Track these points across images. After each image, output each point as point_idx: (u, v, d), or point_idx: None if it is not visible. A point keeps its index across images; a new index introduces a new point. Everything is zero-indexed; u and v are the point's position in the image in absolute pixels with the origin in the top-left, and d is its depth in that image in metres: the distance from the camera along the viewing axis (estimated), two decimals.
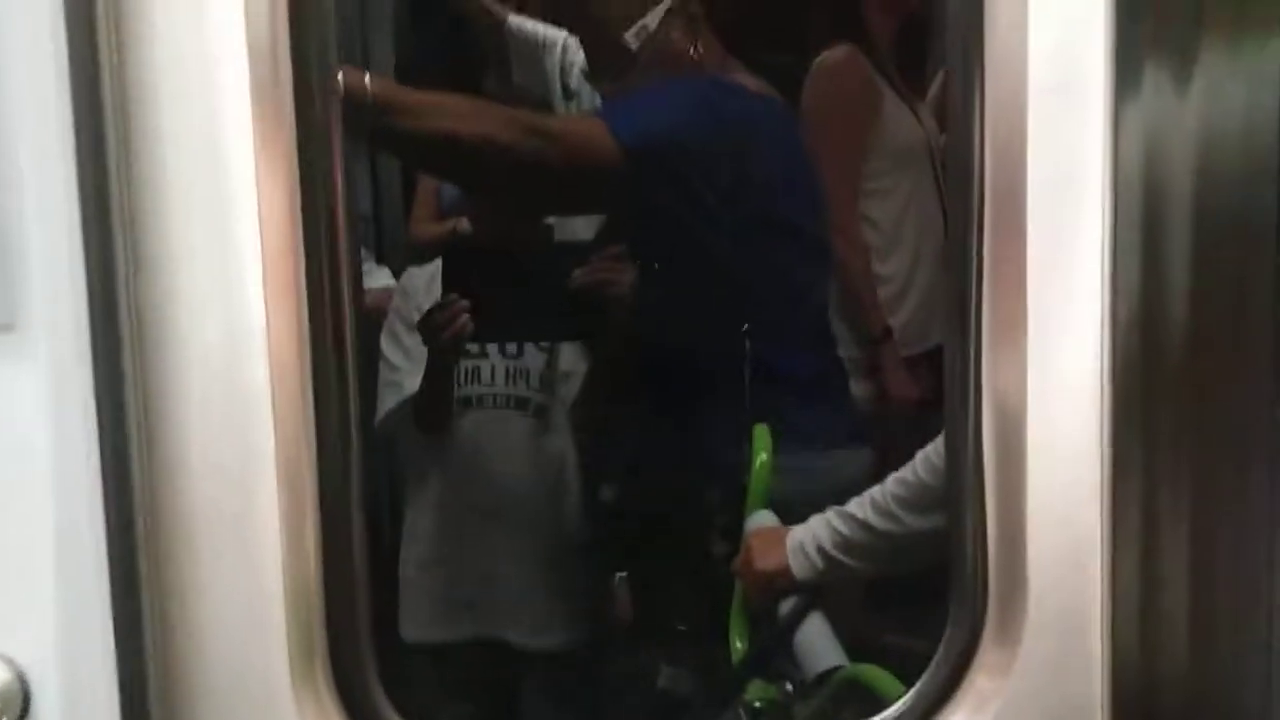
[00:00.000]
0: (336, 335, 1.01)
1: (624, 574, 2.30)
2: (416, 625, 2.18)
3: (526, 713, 2.27)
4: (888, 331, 2.41)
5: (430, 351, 2.05)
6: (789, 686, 1.72)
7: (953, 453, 1.12)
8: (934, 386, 2.38)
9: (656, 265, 2.12)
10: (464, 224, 2.45)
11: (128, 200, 0.92)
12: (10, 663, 0.74)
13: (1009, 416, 1.08)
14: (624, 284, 2.03)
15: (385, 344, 2.20)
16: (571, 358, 2.23)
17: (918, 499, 1.50)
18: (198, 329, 0.96)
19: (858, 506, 1.58)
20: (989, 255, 1.07)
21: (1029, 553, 1.08)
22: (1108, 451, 1.09)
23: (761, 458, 1.91)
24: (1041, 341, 1.07)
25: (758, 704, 1.69)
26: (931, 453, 1.50)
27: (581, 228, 2.38)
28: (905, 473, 1.53)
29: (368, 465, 1.07)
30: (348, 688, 1.01)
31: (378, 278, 2.63)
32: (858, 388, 2.30)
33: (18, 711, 0.73)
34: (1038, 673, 1.09)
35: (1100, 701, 1.11)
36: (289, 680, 0.98)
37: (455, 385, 2.15)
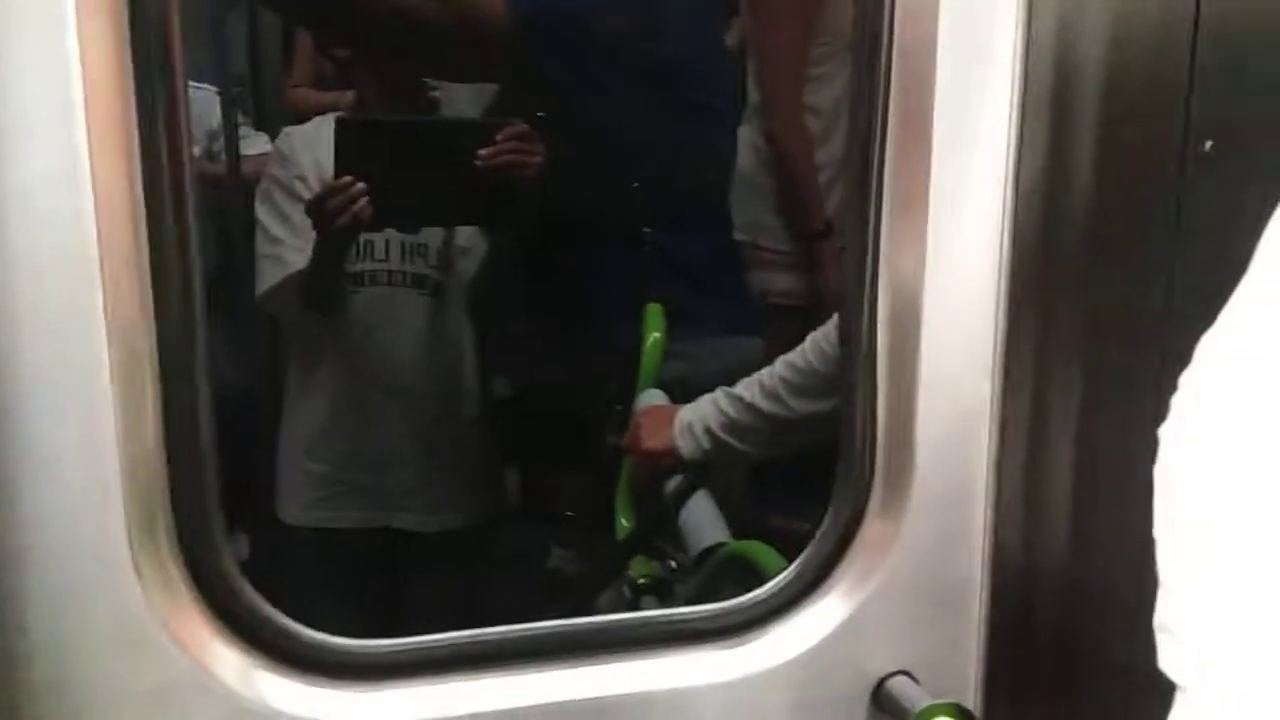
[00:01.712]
0: (173, 181, 0.91)
1: (516, 456, 2.27)
2: (297, 508, 2.11)
3: (411, 598, 2.24)
4: (829, 225, 2.35)
5: (319, 233, 1.93)
6: (671, 563, 1.72)
7: (847, 330, 1.09)
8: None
9: (551, 142, 2.02)
10: (348, 97, 2.29)
11: None
12: None
13: (905, 294, 1.05)
14: (534, 165, 1.92)
15: (262, 212, 2.05)
16: (469, 234, 2.13)
17: (806, 384, 1.48)
18: (16, 169, 0.85)
19: (745, 389, 1.56)
20: (893, 129, 1.03)
21: (917, 431, 1.07)
22: (1001, 331, 1.07)
23: (654, 336, 1.87)
24: (942, 218, 1.04)
25: (641, 580, 1.68)
26: (822, 338, 1.48)
27: (468, 103, 2.26)
28: (795, 357, 1.51)
29: (216, 332, 0.98)
30: (194, 555, 0.95)
31: (256, 144, 2.47)
32: (789, 280, 2.26)
33: None
34: (920, 550, 1.09)
35: (979, 580, 1.12)
36: (128, 548, 0.91)
37: (348, 261, 2.05)
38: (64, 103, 0.84)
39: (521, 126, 1.88)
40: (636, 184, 2.04)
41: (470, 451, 2.17)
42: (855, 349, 1.07)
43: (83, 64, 0.84)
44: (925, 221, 1.03)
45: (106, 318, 0.88)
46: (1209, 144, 0.95)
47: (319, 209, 1.86)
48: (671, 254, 2.09)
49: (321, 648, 0.98)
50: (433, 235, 2.08)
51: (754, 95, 2.29)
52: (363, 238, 2.02)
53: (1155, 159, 0.98)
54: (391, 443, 2.11)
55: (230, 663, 0.96)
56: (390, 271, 2.08)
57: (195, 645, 0.94)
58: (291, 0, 2.01)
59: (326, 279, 1.99)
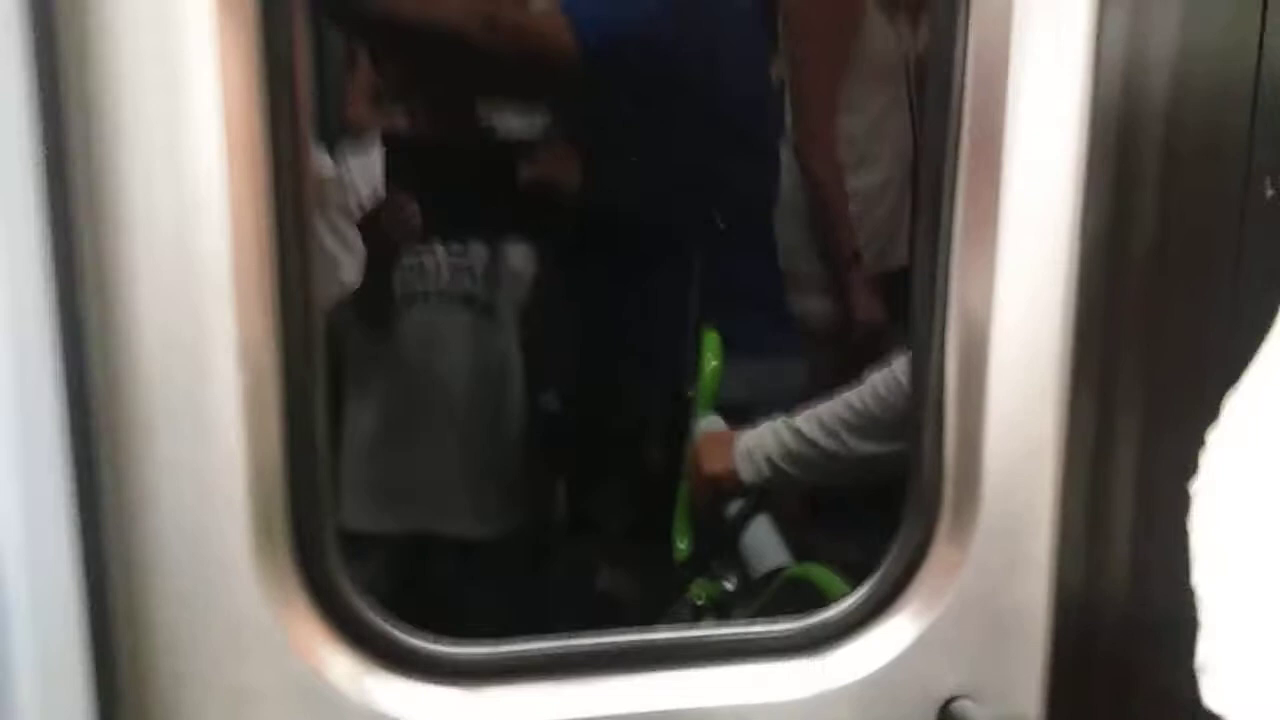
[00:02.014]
0: (297, 207, 0.98)
1: (567, 475, 2.32)
2: (354, 515, 2.18)
3: (462, 604, 2.29)
4: (857, 255, 2.40)
5: (370, 250, 2.00)
6: (728, 585, 1.76)
7: (918, 362, 1.14)
8: (890, 309, 2.42)
9: (606, 166, 2.08)
10: (403, 119, 2.37)
11: (77, 57, 0.87)
12: None
13: (974, 329, 1.10)
14: (571, 181, 1.99)
15: (321, 231, 2.14)
16: (518, 255, 2.20)
17: (864, 425, 1.53)
18: (152, 195, 0.91)
19: (805, 422, 1.61)
20: (965, 167, 1.08)
21: (984, 462, 1.11)
22: (1068, 368, 1.12)
23: (711, 363, 1.92)
24: (1011, 255, 1.08)
25: (700, 601, 1.73)
26: (880, 383, 1.52)
27: (525, 129, 2.33)
28: (853, 399, 1.56)
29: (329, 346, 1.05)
30: (309, 564, 1.01)
31: (321, 164, 2.55)
32: (817, 305, 2.31)
33: None
34: (985, 577, 1.13)
35: (1043, 607, 1.16)
36: (249, 556, 0.98)
37: (398, 281, 2.12)
38: (202, 129, 0.91)
39: (562, 144, 1.94)
40: (689, 207, 2.10)
41: (518, 469, 2.22)
42: (925, 381, 1.12)
43: (223, 110, 0.91)
44: (994, 258, 1.07)
45: (238, 339, 0.94)
46: (1271, 187, 1.00)
47: (369, 225, 1.93)
48: (723, 277, 2.15)
49: (426, 651, 1.04)
50: (479, 255, 2.15)
51: (790, 120, 2.35)
52: (413, 259, 2.09)
53: (1218, 201, 1.03)
54: (438, 456, 2.17)
55: (341, 666, 1.02)
56: (440, 292, 2.16)
57: (308, 649, 1.01)
58: (357, 22, 2.08)
59: (377, 295, 2.06)
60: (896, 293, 2.41)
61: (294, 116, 0.96)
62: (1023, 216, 1.08)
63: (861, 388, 1.53)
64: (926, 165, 1.10)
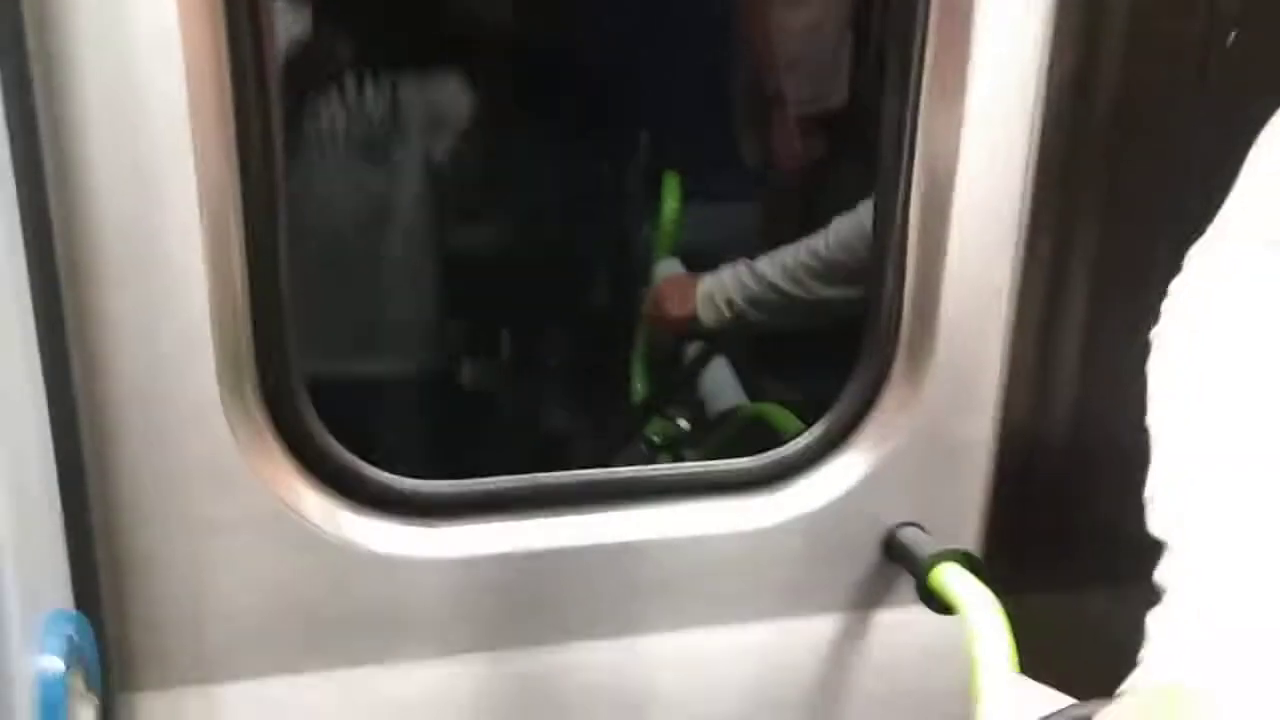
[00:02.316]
0: (256, 37, 0.94)
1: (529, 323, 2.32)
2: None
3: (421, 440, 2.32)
4: (779, 93, 2.35)
5: (295, 82, 1.91)
6: (683, 423, 1.81)
7: (881, 206, 1.14)
8: (825, 150, 2.39)
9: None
10: None
11: None
12: None
13: (939, 175, 1.11)
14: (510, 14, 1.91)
15: None
16: (451, 91, 2.13)
17: (827, 272, 1.55)
18: (104, 31, 0.88)
19: (769, 266, 1.62)
20: (935, 12, 1.06)
21: (941, 305, 1.14)
22: (1027, 213, 1.13)
23: (671, 205, 1.91)
24: (979, 102, 1.08)
25: (656, 438, 1.77)
26: (846, 228, 1.53)
27: None
28: (818, 244, 1.57)
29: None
30: (278, 402, 1.02)
31: None
32: (755, 148, 2.28)
33: None
34: (936, 413, 1.17)
35: (989, 442, 1.21)
36: (218, 394, 0.98)
37: (316, 122, 2.05)
38: None
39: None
40: (639, 43, 2.05)
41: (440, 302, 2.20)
42: (888, 224, 1.13)
43: None
44: (962, 106, 1.07)
45: (198, 173, 0.92)
46: (1232, 36, 1.00)
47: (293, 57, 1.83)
48: (677, 119, 2.11)
49: (391, 488, 1.07)
50: (410, 93, 2.06)
51: None
52: (330, 97, 2.00)
53: (1182, 51, 1.03)
54: (380, 295, 2.14)
55: (311, 501, 1.04)
56: (358, 136, 2.08)
57: (279, 484, 1.03)
58: None
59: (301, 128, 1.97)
60: (835, 132, 2.38)
61: None
62: (991, 64, 1.07)
63: (826, 232, 1.54)
64: (897, 13, 1.08)
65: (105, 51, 0.89)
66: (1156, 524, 0.86)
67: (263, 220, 0.98)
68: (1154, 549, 0.86)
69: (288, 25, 1.94)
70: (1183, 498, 0.83)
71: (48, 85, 0.87)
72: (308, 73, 1.88)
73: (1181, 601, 0.79)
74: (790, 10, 2.32)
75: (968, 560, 1.13)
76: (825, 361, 1.29)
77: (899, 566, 1.20)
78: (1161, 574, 0.83)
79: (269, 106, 0.96)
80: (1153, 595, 0.86)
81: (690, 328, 1.71)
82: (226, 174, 0.95)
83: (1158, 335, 0.89)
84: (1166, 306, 0.88)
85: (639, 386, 1.89)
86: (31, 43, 0.86)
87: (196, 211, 0.93)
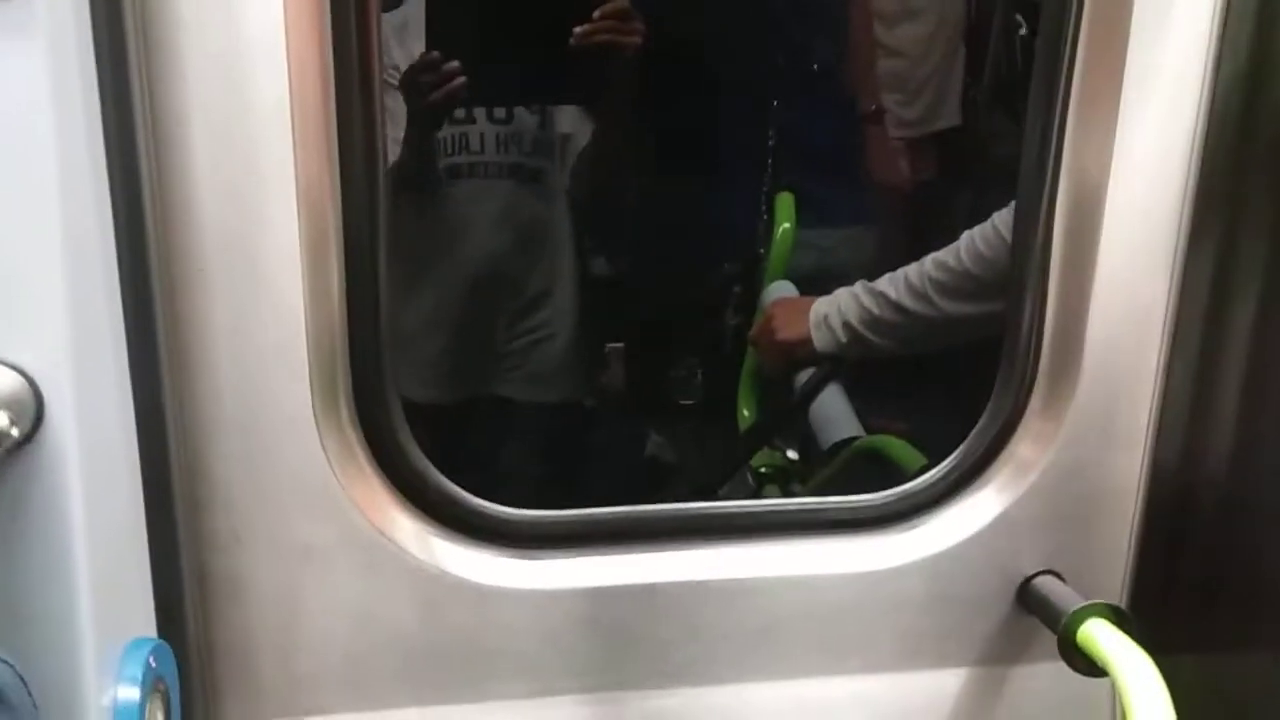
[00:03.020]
0: (362, 50, 0.91)
1: (621, 343, 2.28)
2: (413, 385, 2.15)
3: (524, 465, 2.29)
4: (879, 111, 2.27)
5: (413, 113, 1.90)
6: (792, 455, 1.73)
7: (1021, 225, 1.05)
8: (944, 171, 2.30)
9: (666, 23, 1.97)
10: None
11: None
12: (22, 372, 0.69)
13: (1088, 189, 1.01)
14: (631, 44, 1.88)
15: None
16: (570, 118, 2.10)
17: (959, 285, 1.45)
18: (207, 34, 0.85)
19: (890, 285, 1.53)
20: (1088, 14, 0.97)
21: (1087, 330, 1.04)
22: (1184, 232, 1.03)
23: (784, 226, 1.84)
24: (1133, 110, 0.99)
25: (763, 469, 1.69)
26: (979, 238, 1.43)
27: None
28: (946, 257, 1.47)
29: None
30: (373, 425, 0.98)
31: None
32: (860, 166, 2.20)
33: (31, 419, 0.69)
34: (1078, 450, 1.07)
35: (1137, 484, 1.10)
36: (312, 414, 0.94)
37: (441, 154, 2.04)
38: None
39: (621, 3, 1.82)
40: (757, 66, 1.99)
41: (570, 331, 2.17)
42: (1029, 240, 1.04)
43: None
44: (1115, 113, 0.98)
45: (298, 189, 0.89)
46: None
47: (411, 85, 1.82)
48: (795, 137, 2.05)
49: (487, 516, 1.02)
50: (527, 122, 2.05)
51: None
52: (455, 130, 1.99)
53: None
54: (491, 321, 2.12)
55: (405, 527, 1.00)
56: (485, 164, 2.07)
57: (373, 509, 0.98)
58: None
59: (420, 164, 1.97)
60: (949, 154, 2.29)
61: None
62: (1149, 68, 0.98)
63: (955, 245, 1.44)
64: (1046, 16, 1.00)
65: (209, 64, 0.86)
66: None
67: (363, 238, 0.94)
68: None
69: (406, 49, 1.95)
70: None
71: (149, 97, 0.85)
72: (405, 87, 1.86)
73: None
74: (904, 30, 2.25)
75: (1117, 615, 1.03)
76: (951, 392, 1.20)
77: (1034, 618, 1.10)
78: None
79: (373, 122, 0.93)
80: None
81: (802, 353, 1.63)
82: (328, 191, 0.92)
83: None
84: None
85: (746, 414, 1.82)
86: (134, 54, 0.83)
87: (296, 228, 0.90)
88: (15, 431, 0.66)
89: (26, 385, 0.69)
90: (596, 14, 1.80)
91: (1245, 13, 0.97)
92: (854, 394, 1.67)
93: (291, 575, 0.99)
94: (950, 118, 2.30)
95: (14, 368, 0.69)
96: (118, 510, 0.80)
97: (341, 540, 0.98)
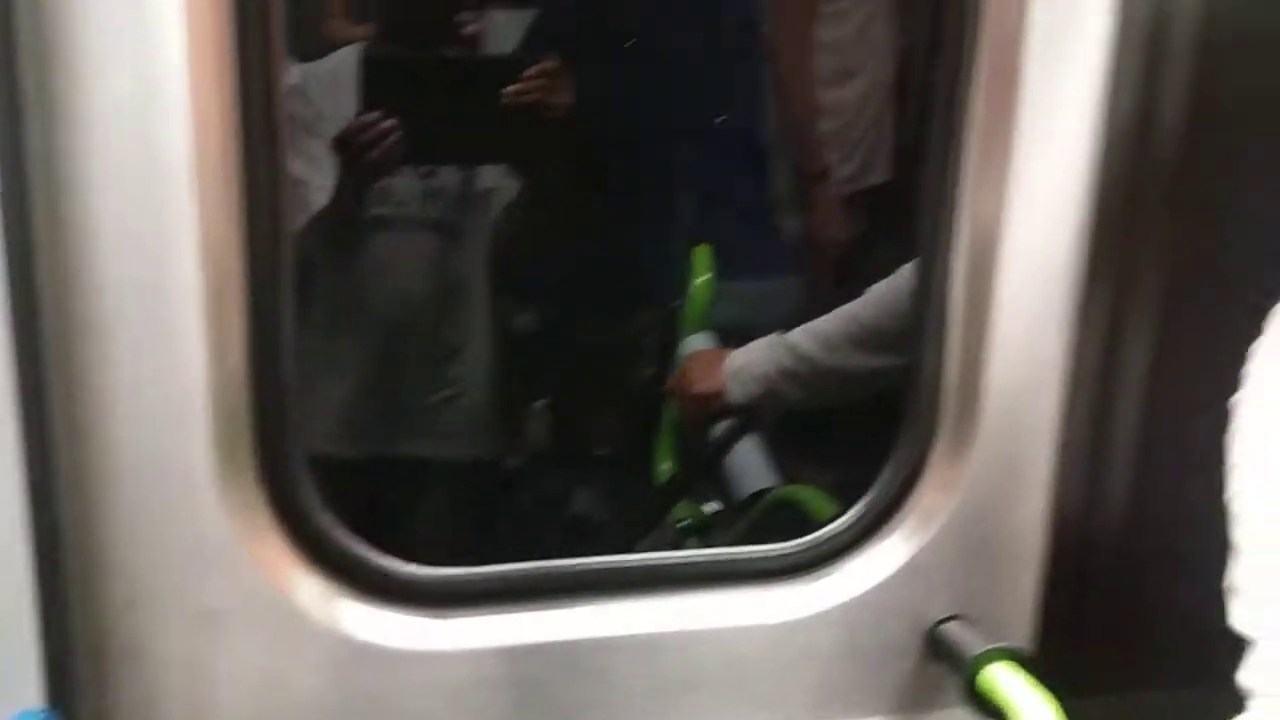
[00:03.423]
0: (266, 104, 0.90)
1: (544, 399, 2.27)
2: (321, 439, 2.12)
3: (434, 529, 2.26)
4: (824, 170, 2.33)
5: (345, 170, 1.90)
6: (711, 506, 1.73)
7: (923, 276, 1.08)
8: (872, 226, 2.37)
9: (591, 80, 2.00)
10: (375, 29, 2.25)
11: None
12: None
13: (984, 241, 1.05)
14: (560, 103, 1.91)
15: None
16: (494, 175, 2.12)
17: (869, 339, 1.48)
18: (108, 84, 0.84)
19: (803, 337, 1.55)
20: (980, 70, 1.01)
21: (987, 380, 1.07)
22: (1078, 283, 1.07)
23: (702, 278, 1.86)
24: (1027, 163, 1.02)
25: (683, 522, 1.69)
26: (888, 291, 1.46)
27: (505, 39, 2.24)
28: (858, 309, 1.50)
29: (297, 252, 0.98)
30: (276, 483, 0.96)
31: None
32: (789, 222, 2.25)
33: None
34: (982, 497, 1.09)
35: (1039, 528, 1.12)
36: (212, 472, 0.92)
37: (367, 204, 2.04)
38: (164, 17, 0.83)
39: (551, 63, 1.85)
40: (673, 122, 2.03)
41: (483, 386, 2.16)
42: (930, 293, 1.07)
43: None
44: (1008, 166, 1.01)
45: (199, 239, 0.88)
46: None
47: (345, 145, 1.83)
48: (712, 192, 2.09)
49: (394, 575, 1.00)
50: (453, 179, 2.07)
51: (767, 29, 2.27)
52: (383, 181, 2.00)
53: (1249, 110, 0.97)
54: (406, 376, 2.11)
55: (308, 588, 0.97)
56: (409, 217, 2.07)
57: (275, 571, 0.96)
58: None
59: (347, 217, 1.97)
60: (879, 210, 2.36)
61: (264, 11, 0.88)
62: (1039, 129, 1.02)
63: (867, 298, 1.47)
64: (941, 70, 1.03)
65: (109, 114, 0.85)
66: (1241, 618, 0.78)
67: (267, 293, 0.93)
68: (1235, 646, 0.78)
69: (323, 96, 1.95)
70: (1275, 587, 0.75)
71: (46, 147, 0.83)
72: (340, 146, 1.86)
73: (1275, 709, 0.70)
74: (833, 89, 2.32)
75: (1019, 659, 1.04)
76: (862, 441, 1.22)
77: (943, 665, 1.11)
78: (1247, 675, 0.75)
79: (277, 172, 0.92)
80: (1233, 698, 0.78)
81: (718, 405, 1.64)
82: (232, 245, 0.90)
83: (1239, 403, 0.81)
84: (1250, 373, 0.81)
85: (664, 467, 1.82)
86: (31, 102, 0.82)
87: (198, 282, 0.88)
88: None
89: None
90: (527, 74, 1.82)
91: (1128, 77, 1.02)
92: (776, 443, 1.68)
93: (193, 641, 0.96)
94: (881, 173, 2.38)
95: None
96: (10, 577, 0.77)
97: (244, 603, 0.95)
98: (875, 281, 1.50)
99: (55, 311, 0.86)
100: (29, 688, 0.81)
